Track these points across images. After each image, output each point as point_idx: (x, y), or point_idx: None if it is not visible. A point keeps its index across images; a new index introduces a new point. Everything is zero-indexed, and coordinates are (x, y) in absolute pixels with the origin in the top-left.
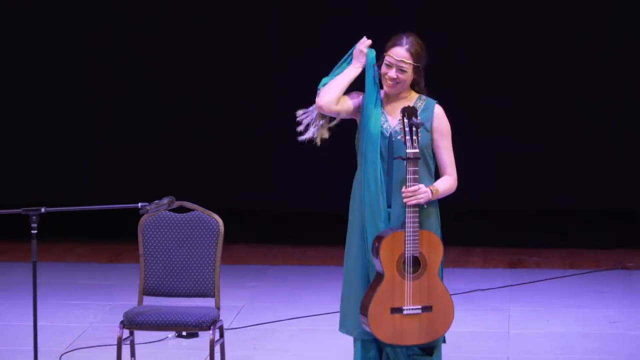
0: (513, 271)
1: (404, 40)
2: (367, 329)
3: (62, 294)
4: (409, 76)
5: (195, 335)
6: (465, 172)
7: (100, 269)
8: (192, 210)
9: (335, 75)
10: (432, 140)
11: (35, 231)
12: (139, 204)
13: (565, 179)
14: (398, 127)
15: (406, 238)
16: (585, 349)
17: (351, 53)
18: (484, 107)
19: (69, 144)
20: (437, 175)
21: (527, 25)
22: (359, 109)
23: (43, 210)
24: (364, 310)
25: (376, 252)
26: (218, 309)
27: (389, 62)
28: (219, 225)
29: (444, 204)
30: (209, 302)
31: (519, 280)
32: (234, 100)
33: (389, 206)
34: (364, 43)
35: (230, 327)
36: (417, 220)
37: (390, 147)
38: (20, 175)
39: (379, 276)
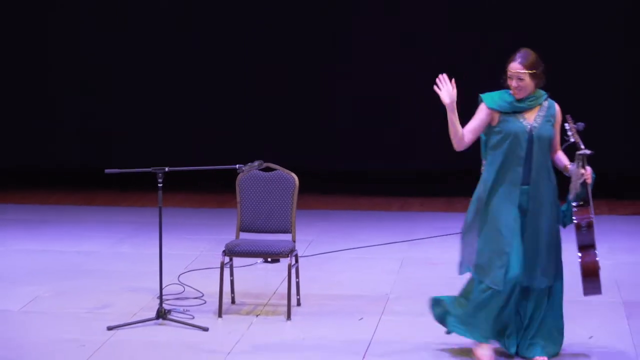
0: None
1: (517, 55)
2: (596, 291)
3: (181, 231)
4: (527, 82)
5: (278, 261)
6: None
7: (209, 213)
8: (275, 169)
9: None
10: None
11: (161, 184)
12: (237, 166)
13: None
14: (568, 131)
15: (591, 209)
16: None
17: None
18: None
19: (185, 112)
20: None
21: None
22: (488, 122)
23: (167, 169)
24: (594, 275)
25: (589, 225)
26: (294, 242)
27: (509, 75)
28: (295, 181)
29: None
30: (288, 237)
31: None
32: (324, 70)
33: (526, 184)
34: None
35: (303, 255)
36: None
37: (530, 139)
38: (149, 140)
39: (591, 245)
